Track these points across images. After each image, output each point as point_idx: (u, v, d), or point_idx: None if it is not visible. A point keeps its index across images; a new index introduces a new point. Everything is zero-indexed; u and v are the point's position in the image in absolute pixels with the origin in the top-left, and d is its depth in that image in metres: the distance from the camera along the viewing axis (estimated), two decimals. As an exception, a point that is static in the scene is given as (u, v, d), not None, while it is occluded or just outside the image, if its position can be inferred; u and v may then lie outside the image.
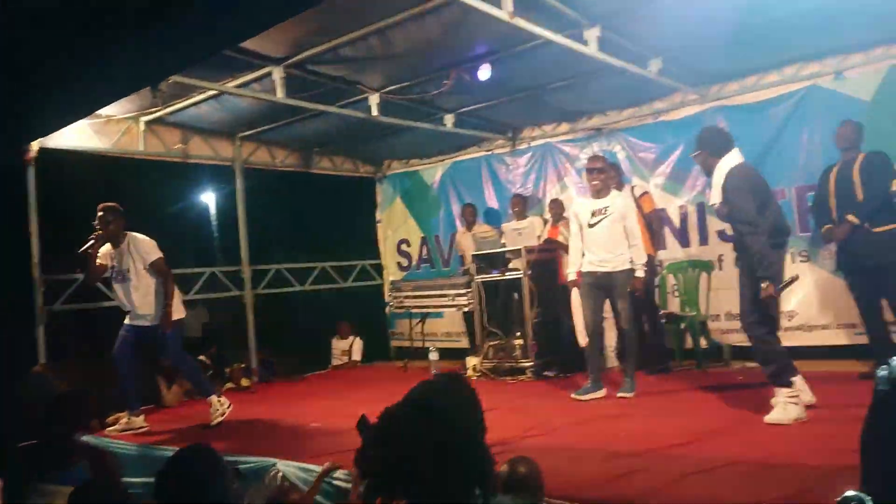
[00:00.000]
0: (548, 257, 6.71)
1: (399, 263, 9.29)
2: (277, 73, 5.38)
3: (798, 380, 4.11)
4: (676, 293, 6.65)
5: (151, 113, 6.46)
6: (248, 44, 4.88)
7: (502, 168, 8.30)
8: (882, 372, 1.04)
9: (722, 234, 6.43)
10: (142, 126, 6.69)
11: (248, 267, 7.81)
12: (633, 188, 6.53)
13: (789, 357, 4.16)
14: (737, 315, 4.50)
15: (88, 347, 6.48)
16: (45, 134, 5.74)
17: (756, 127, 6.30)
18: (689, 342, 6.38)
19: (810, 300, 6.04)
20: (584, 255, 5.32)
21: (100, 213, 5.18)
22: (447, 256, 8.76)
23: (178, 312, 5.38)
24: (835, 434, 3.32)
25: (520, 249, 6.45)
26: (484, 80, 5.60)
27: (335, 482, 3.31)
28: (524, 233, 6.67)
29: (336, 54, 5.25)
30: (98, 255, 5.22)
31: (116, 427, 5.27)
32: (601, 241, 5.22)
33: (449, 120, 7.18)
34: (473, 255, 6.91)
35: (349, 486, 3.08)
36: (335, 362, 8.43)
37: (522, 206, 7.46)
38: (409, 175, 9.21)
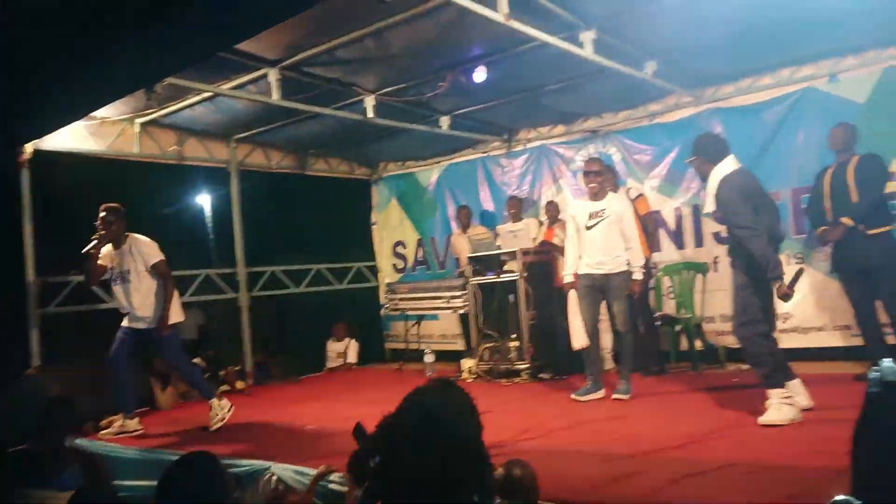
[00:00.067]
0: (543, 259, 6.72)
1: (395, 265, 9.29)
2: (273, 75, 5.37)
3: (795, 384, 4.12)
4: (671, 295, 6.66)
5: (146, 115, 6.45)
6: (244, 45, 4.87)
7: (498, 170, 8.31)
8: (873, 374, 1.04)
9: (717, 236, 6.45)
10: (137, 128, 6.67)
11: (244, 269, 7.79)
12: (628, 190, 6.54)
13: (783, 358, 4.17)
14: (732, 317, 4.50)
15: (83, 350, 6.44)
16: (39, 136, 5.73)
17: (751, 129, 6.32)
18: (684, 344, 6.39)
19: (805, 302, 6.06)
20: (580, 257, 5.33)
21: (102, 214, 5.17)
22: (443, 258, 8.75)
23: (177, 316, 5.36)
24: (830, 436, 3.32)
25: (515, 251, 6.46)
26: (479, 82, 5.60)
27: (330, 486, 3.30)
28: (520, 235, 6.68)
29: (331, 56, 5.24)
30: (99, 255, 5.21)
31: (111, 430, 5.24)
32: (598, 243, 5.23)
33: (444, 122, 7.18)
34: (469, 257, 6.91)
35: (344, 489, 3.07)
36: (330, 364, 8.42)
37: (518, 207, 7.46)
38: (405, 177, 9.21)
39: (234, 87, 5.66)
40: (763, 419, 3.96)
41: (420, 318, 7.99)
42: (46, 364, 5.79)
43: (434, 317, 8.19)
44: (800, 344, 5.99)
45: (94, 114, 6.05)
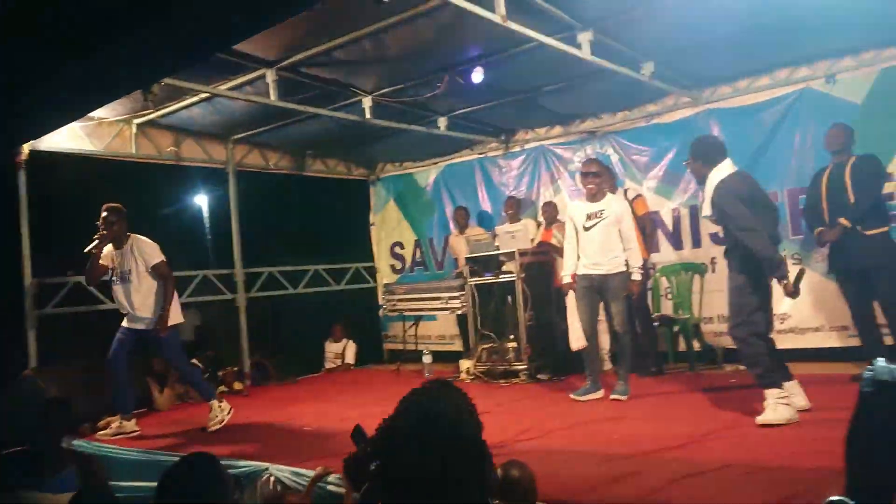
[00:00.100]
0: (541, 260, 6.72)
1: (392, 266, 9.28)
2: (270, 76, 5.37)
3: (792, 384, 4.12)
4: (669, 296, 6.66)
5: (143, 115, 6.44)
6: (241, 46, 4.86)
7: (496, 171, 8.31)
8: (867, 373, 1.04)
9: (714, 237, 6.45)
10: (134, 128, 6.66)
11: (241, 270, 7.78)
12: (626, 191, 6.54)
13: (780, 359, 4.17)
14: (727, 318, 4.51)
15: (80, 351, 6.44)
16: (36, 136, 5.72)
17: (748, 130, 6.34)
18: (682, 345, 6.39)
19: (803, 303, 6.03)
20: (579, 258, 5.34)
21: (104, 214, 5.17)
22: (441, 259, 8.75)
23: (176, 317, 5.35)
24: (826, 437, 3.32)
25: (513, 252, 6.46)
26: (477, 83, 5.60)
27: (329, 487, 3.29)
28: (517, 235, 6.68)
29: (329, 57, 5.24)
30: (101, 255, 5.20)
31: (108, 431, 5.23)
32: (596, 244, 5.24)
33: (442, 123, 7.18)
34: (466, 258, 6.90)
35: (342, 490, 3.07)
36: (328, 365, 8.41)
37: (516, 208, 7.46)
38: (403, 178, 9.21)
39: (232, 88, 5.65)
40: (760, 419, 3.96)
41: (418, 319, 7.99)
42: (44, 365, 5.78)
43: (432, 318, 8.19)
44: (797, 345, 6.00)
45: (91, 114, 6.04)
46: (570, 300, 5.42)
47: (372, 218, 9.47)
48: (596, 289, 5.28)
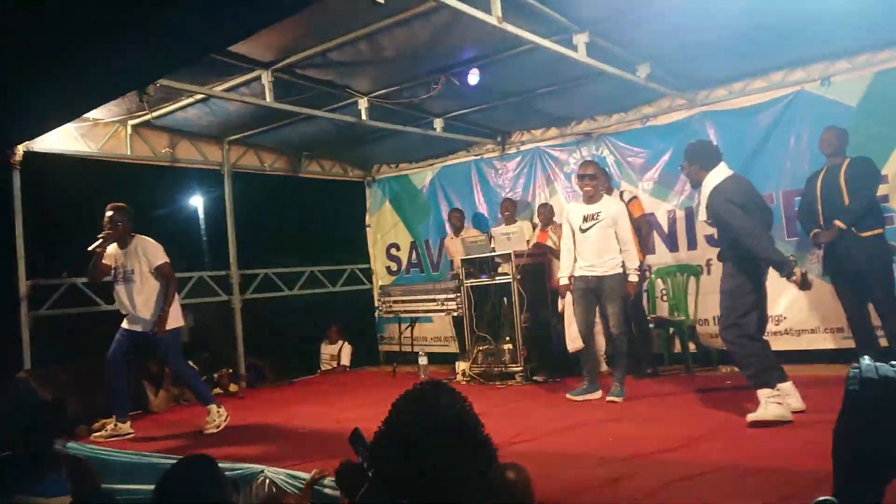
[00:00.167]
0: (537, 262, 6.72)
1: (388, 268, 9.27)
2: (266, 77, 5.36)
3: (787, 386, 4.14)
4: (665, 298, 6.67)
5: (138, 116, 6.43)
6: (237, 47, 4.86)
7: (491, 172, 8.31)
8: (853, 371, 1.04)
9: (710, 239, 6.46)
10: (129, 129, 6.65)
11: (237, 271, 7.77)
12: (621, 193, 6.54)
13: (771, 359, 4.19)
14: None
15: (75, 352, 6.42)
16: (30, 137, 5.71)
17: (744, 132, 6.35)
18: (677, 346, 6.40)
19: (798, 304, 6.08)
20: (576, 259, 5.34)
21: (109, 213, 5.15)
22: (436, 261, 8.74)
23: (177, 320, 5.34)
24: (820, 439, 3.31)
25: (509, 254, 6.46)
26: (473, 85, 5.61)
27: (325, 490, 3.28)
28: (513, 237, 6.68)
29: (325, 58, 5.24)
30: (104, 254, 5.19)
31: (103, 433, 5.21)
32: (592, 246, 5.25)
33: (438, 124, 7.18)
34: (462, 260, 6.90)
35: (337, 493, 3.06)
36: (324, 367, 8.40)
37: (512, 210, 7.47)
38: (399, 179, 9.20)
39: (228, 89, 5.65)
40: (750, 417, 4.00)
41: (414, 321, 7.99)
42: (38, 367, 5.76)
43: (428, 319, 8.19)
44: (792, 346, 6.01)
45: (86, 115, 6.03)
46: (567, 302, 5.42)
47: (368, 219, 9.47)
48: (592, 290, 5.29)
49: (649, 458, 3.59)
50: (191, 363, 6.66)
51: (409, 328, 8.00)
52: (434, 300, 7.26)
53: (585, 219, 5.29)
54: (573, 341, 5.38)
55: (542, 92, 6.41)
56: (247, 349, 7.68)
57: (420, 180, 8.96)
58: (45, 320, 6.06)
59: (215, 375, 7.17)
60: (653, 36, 5.13)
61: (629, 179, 7.10)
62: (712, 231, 6.06)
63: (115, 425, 5.22)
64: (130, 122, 6.58)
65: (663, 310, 6.63)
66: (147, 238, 5.31)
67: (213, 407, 5.27)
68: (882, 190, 5.37)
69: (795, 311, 6.10)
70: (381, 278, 9.24)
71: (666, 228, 6.91)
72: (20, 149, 5.82)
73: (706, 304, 6.32)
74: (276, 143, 7.95)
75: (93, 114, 6.12)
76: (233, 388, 7.18)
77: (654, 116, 7.03)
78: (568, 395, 5.34)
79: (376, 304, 8.85)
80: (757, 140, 6.32)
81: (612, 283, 5.22)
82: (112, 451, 4.74)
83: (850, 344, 5.35)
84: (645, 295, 6.54)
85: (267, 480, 3.68)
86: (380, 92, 6.11)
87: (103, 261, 5.23)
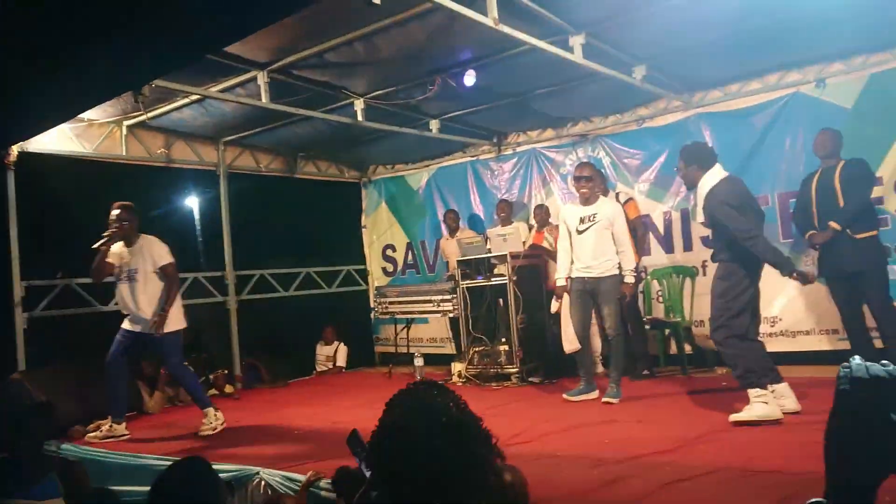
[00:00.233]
0: (533, 263, 6.72)
1: (384, 269, 9.27)
2: (262, 78, 5.35)
3: (782, 387, 4.15)
4: (661, 299, 6.68)
5: (134, 117, 6.41)
6: (233, 48, 4.84)
7: (487, 173, 8.31)
8: (843, 371, 1.04)
9: (706, 240, 6.46)
10: (124, 130, 6.63)
11: (232, 272, 7.76)
12: (617, 194, 6.56)
13: (764, 360, 4.20)
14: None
15: (70, 354, 6.39)
16: (25, 138, 5.68)
17: (739, 134, 6.37)
18: (673, 348, 6.41)
19: (793, 306, 6.09)
20: (572, 261, 5.35)
21: (115, 212, 5.14)
22: (432, 262, 8.74)
23: (178, 322, 5.32)
24: (817, 440, 3.32)
25: (505, 255, 6.46)
26: (469, 86, 5.60)
27: (321, 493, 3.28)
28: (509, 238, 6.68)
29: (321, 59, 5.23)
30: (109, 253, 5.17)
31: (97, 434, 5.19)
32: (589, 247, 5.25)
33: (434, 125, 7.18)
34: (458, 261, 6.90)
35: (333, 495, 3.05)
36: (319, 368, 8.39)
37: (508, 211, 7.47)
38: (395, 180, 9.20)
39: (223, 90, 5.63)
40: (733, 417, 4.03)
41: (410, 322, 7.98)
42: (32, 368, 5.73)
43: (424, 320, 8.18)
44: (788, 348, 6.03)
45: (80, 116, 6.01)
46: (564, 304, 5.43)
47: (364, 220, 9.46)
48: (589, 292, 5.29)
49: (645, 459, 3.59)
50: (186, 364, 6.65)
51: (405, 329, 8.00)
52: (430, 301, 7.26)
53: (582, 220, 5.30)
54: (570, 343, 5.38)
55: (538, 93, 6.42)
56: (242, 350, 7.66)
57: (416, 181, 8.95)
58: (39, 321, 6.03)
59: (211, 377, 7.15)
60: (649, 38, 5.13)
61: (625, 181, 7.11)
62: (708, 232, 6.07)
63: (111, 426, 5.21)
64: (125, 123, 6.56)
65: (659, 311, 6.64)
66: (154, 238, 5.30)
67: (211, 410, 5.25)
68: (877, 192, 5.38)
69: (791, 312, 6.11)
70: (376, 279, 9.24)
71: (662, 230, 6.92)
72: (14, 149, 5.79)
73: (702, 305, 6.32)
74: (272, 144, 7.93)
75: (88, 114, 6.10)
76: (228, 389, 7.16)
77: (650, 118, 7.04)
78: (565, 396, 5.35)
79: (372, 305, 8.84)
80: (752, 142, 6.33)
81: (609, 285, 5.23)
82: (107, 452, 4.72)
83: (846, 345, 5.37)
84: (641, 296, 6.54)
85: (263, 482, 3.67)
86: (376, 93, 6.10)
87: (108, 259, 5.20)
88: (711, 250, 4.62)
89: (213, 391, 6.88)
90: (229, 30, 3.68)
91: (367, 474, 1.79)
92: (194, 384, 5.49)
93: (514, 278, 6.39)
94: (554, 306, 5.71)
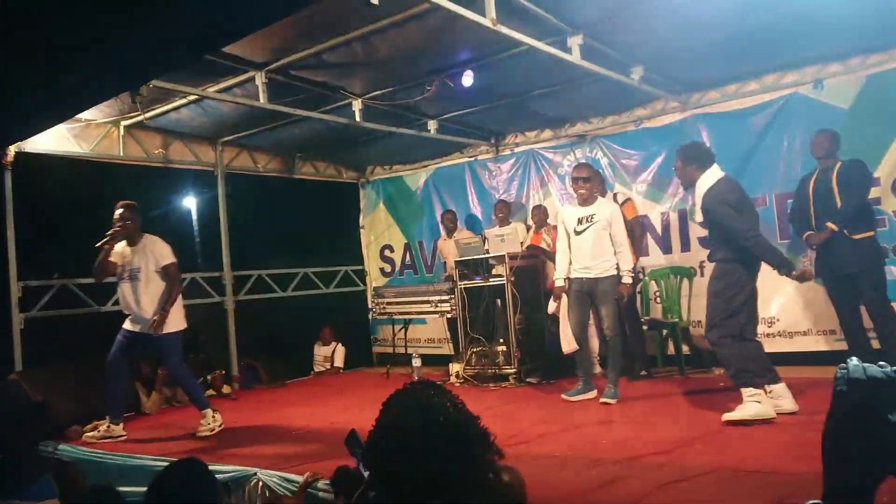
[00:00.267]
0: (531, 263, 6.71)
1: (382, 269, 9.26)
2: (260, 78, 5.35)
3: (780, 387, 4.15)
4: (658, 300, 6.68)
5: (131, 117, 6.40)
6: (231, 48, 4.84)
7: (485, 174, 8.32)
8: (840, 371, 1.04)
9: (703, 241, 6.48)
10: (121, 130, 6.62)
11: (230, 272, 7.75)
12: (615, 195, 6.56)
13: (762, 359, 4.21)
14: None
15: (67, 354, 6.38)
16: (22, 138, 5.67)
17: (737, 134, 6.38)
18: (671, 348, 6.41)
19: (790, 307, 6.10)
20: (570, 262, 5.35)
21: (119, 211, 5.13)
22: (430, 262, 8.74)
23: (179, 323, 5.31)
24: (814, 441, 3.32)
25: (503, 255, 6.46)
26: (467, 87, 5.61)
27: (320, 494, 3.27)
28: (507, 239, 6.68)
29: (319, 60, 5.22)
30: (111, 252, 5.16)
31: (95, 434, 5.17)
32: (587, 248, 5.25)
33: (432, 126, 7.18)
34: (456, 262, 6.90)
35: (331, 496, 3.05)
36: (317, 368, 8.38)
37: (506, 212, 7.47)
38: (393, 180, 9.20)
39: (221, 90, 5.63)
40: (725, 416, 4.04)
41: (407, 323, 7.97)
42: (29, 368, 5.72)
43: (422, 321, 8.18)
44: (785, 348, 6.04)
45: (78, 116, 6.00)
46: (562, 304, 5.43)
47: (361, 221, 9.46)
48: (587, 292, 5.29)
49: (642, 460, 3.59)
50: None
51: (403, 330, 7.99)
52: (428, 302, 7.25)
53: (580, 221, 5.30)
54: (568, 343, 5.38)
55: (536, 94, 6.42)
56: (240, 351, 7.65)
57: (414, 182, 8.95)
58: (36, 321, 6.02)
59: (208, 377, 7.15)
60: (647, 38, 5.14)
61: (623, 181, 7.11)
62: (705, 233, 6.08)
63: (108, 426, 5.19)
64: (123, 123, 6.55)
65: (657, 312, 6.64)
66: (157, 238, 5.30)
67: (209, 412, 5.24)
68: (874, 192, 5.39)
69: (788, 313, 6.12)
70: (374, 280, 9.24)
71: (659, 230, 6.92)
72: (12, 149, 5.79)
73: (699, 306, 6.31)
74: (270, 145, 7.93)
75: (85, 114, 6.09)
76: (226, 389, 7.15)
77: (648, 119, 7.05)
78: (563, 396, 5.36)
79: (370, 306, 8.85)
80: (750, 142, 6.34)
81: (607, 285, 5.23)
82: (104, 452, 4.72)
83: (843, 346, 5.38)
84: (638, 297, 6.54)
85: (260, 483, 3.67)
86: (374, 93, 6.10)
87: (110, 259, 5.19)
88: (708, 251, 4.63)
89: (210, 392, 6.87)
90: (228, 30, 3.67)
91: (366, 474, 1.79)
92: (193, 385, 5.48)
93: (512, 279, 6.39)
94: (552, 307, 5.70)
